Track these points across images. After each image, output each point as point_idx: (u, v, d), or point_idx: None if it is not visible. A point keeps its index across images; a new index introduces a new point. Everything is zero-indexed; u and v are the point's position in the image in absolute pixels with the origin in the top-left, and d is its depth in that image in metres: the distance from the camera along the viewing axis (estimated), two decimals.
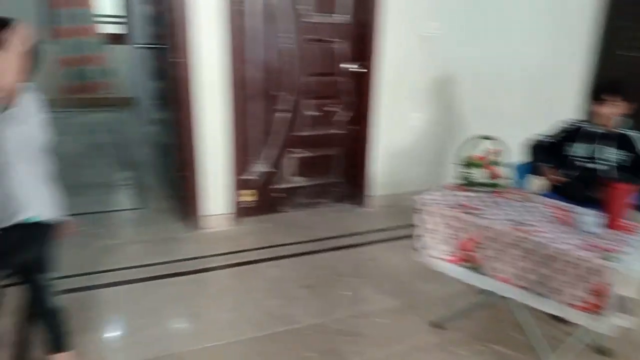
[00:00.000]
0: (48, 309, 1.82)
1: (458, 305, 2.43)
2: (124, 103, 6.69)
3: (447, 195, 2.23)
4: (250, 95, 3.18)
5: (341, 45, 3.33)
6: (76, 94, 6.55)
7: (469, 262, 2.03)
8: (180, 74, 2.92)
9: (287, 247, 3.06)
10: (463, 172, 2.31)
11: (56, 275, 1.83)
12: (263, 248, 3.04)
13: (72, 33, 6.25)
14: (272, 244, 3.08)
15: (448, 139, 3.73)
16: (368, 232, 3.33)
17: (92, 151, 4.86)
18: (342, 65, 3.37)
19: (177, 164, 3.30)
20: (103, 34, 6.54)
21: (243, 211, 3.36)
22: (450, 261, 2.10)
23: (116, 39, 6.52)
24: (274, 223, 3.39)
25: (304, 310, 2.43)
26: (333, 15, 3.26)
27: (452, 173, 2.41)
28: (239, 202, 3.32)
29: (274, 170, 3.43)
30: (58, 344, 1.87)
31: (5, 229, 1.67)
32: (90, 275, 2.62)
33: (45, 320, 1.84)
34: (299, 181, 3.54)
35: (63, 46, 6.29)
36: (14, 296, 1.86)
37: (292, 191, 3.54)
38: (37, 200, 1.70)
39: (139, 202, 3.72)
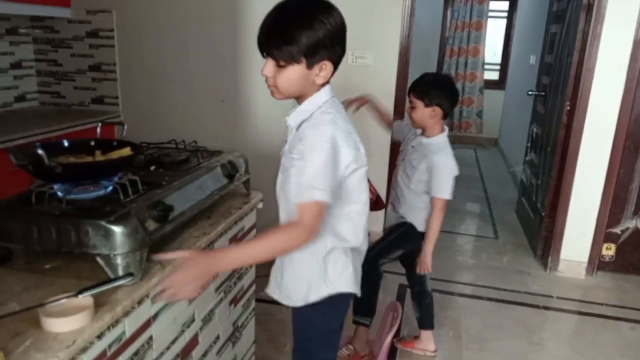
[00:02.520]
0: (423, 291, 2.29)
1: None
2: (489, 143, 7.19)
3: None
4: (634, 147, 3.06)
5: None
6: (450, 130, 7.39)
7: None
8: (570, 121, 3.07)
9: None
10: None
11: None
12: (618, 307, 2.89)
13: (460, 78, 7.10)
14: (632, 306, 2.89)
15: None
16: None
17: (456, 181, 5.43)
18: None
19: (542, 204, 3.45)
20: (483, 79, 7.18)
21: (601, 264, 3.24)
22: None
23: (493, 83, 7.11)
24: (634, 284, 3.15)
25: None
26: None
27: None
28: (598, 254, 3.22)
29: None
30: (424, 322, 2.32)
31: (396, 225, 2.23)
32: (449, 283, 3.05)
33: (418, 300, 2.31)
34: None
35: None
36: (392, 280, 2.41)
37: None
38: (417, 212, 2.17)
39: (491, 232, 4.01)
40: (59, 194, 1.20)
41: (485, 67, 7.14)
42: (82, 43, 3.34)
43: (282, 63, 1.17)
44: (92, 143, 1.39)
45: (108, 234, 1.08)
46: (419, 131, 2.14)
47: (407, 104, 2.14)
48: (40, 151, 1.09)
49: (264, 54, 1.20)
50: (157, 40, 3.24)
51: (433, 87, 2.04)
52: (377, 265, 2.16)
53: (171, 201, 1.30)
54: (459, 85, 7.11)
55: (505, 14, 7.11)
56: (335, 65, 1.22)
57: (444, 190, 2.05)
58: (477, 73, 7.09)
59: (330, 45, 1.16)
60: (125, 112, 3.39)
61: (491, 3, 6.93)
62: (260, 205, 1.80)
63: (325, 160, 1.16)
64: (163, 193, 1.31)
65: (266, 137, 3.15)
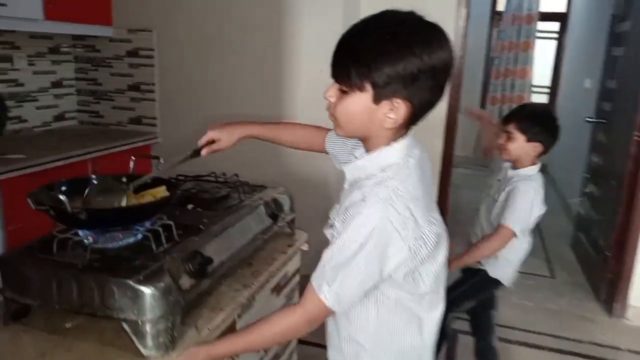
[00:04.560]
0: (488, 346, 2.05)
1: None
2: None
3: None
4: None
5: None
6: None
7: None
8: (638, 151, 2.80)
9: None
10: None
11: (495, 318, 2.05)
12: None
13: (507, 100, 6.81)
14: None
15: None
16: None
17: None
18: None
19: (606, 242, 3.14)
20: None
21: None
22: None
23: None
24: None
25: None
26: None
27: None
28: None
29: None
30: None
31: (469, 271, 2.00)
32: (506, 328, 2.78)
33: (481, 354, 2.07)
34: None
35: (489, 112, 6.93)
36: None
37: None
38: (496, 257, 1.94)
39: (546, 269, 3.71)
40: (85, 242, 1.04)
41: (533, 89, 6.83)
42: (122, 62, 3.27)
43: (344, 87, 0.92)
44: (124, 179, 1.24)
45: (136, 296, 0.92)
46: (507, 164, 1.94)
47: (501, 134, 1.93)
48: (61, 197, 0.93)
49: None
50: (198, 60, 3.14)
51: (538, 123, 1.87)
52: (446, 320, 1.93)
53: (210, 250, 1.13)
54: (505, 108, 6.83)
55: (556, 35, 6.81)
56: (416, 112, 0.92)
57: (516, 220, 1.81)
58: (525, 95, 6.78)
59: (411, 81, 0.87)
60: (163, 134, 3.29)
61: (540, 23, 6.64)
62: (305, 247, 1.62)
63: (353, 257, 0.89)
64: (201, 241, 1.14)
65: (311, 162, 2.99)
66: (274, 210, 1.46)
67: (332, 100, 0.94)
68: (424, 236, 0.92)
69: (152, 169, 1.36)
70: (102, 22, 3.12)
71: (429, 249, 0.94)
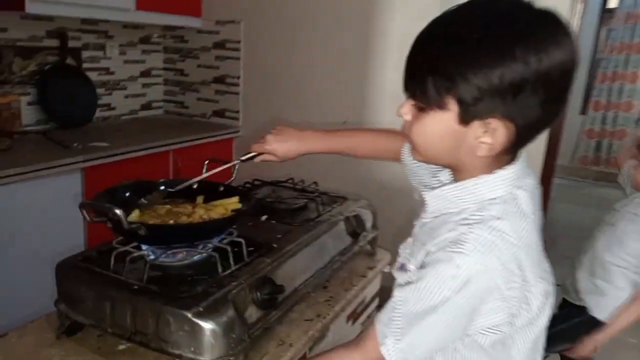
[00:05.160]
0: None
1: None
2: None
3: None
4: None
5: None
6: (590, 165, 6.48)
7: None
8: None
9: None
10: None
11: None
12: None
13: (613, 106, 6.19)
14: None
15: None
16: None
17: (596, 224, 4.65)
18: None
19: None
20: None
21: None
22: None
23: None
24: None
25: None
26: None
27: None
28: None
29: None
30: None
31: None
32: None
33: None
34: None
35: (591, 119, 6.32)
36: None
37: None
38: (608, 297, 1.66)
39: None
40: (151, 256, 0.93)
41: None
42: (209, 54, 3.24)
43: (421, 104, 0.70)
44: (195, 186, 1.12)
45: (194, 331, 0.79)
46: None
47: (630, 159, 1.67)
48: (117, 211, 0.82)
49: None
50: (283, 54, 3.03)
51: None
52: None
53: (282, 275, 0.99)
54: (609, 115, 6.21)
55: None
56: (521, 134, 0.68)
57: None
58: (635, 102, 6.11)
59: (512, 95, 0.64)
60: (244, 128, 3.22)
61: None
62: (387, 269, 1.44)
63: (432, 311, 0.69)
64: (272, 263, 1.00)
65: (390, 168, 2.79)
66: (355, 228, 1.30)
67: (407, 118, 0.73)
68: (529, 297, 0.70)
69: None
70: (192, 13, 3.10)
71: (532, 313, 0.72)
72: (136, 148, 2.49)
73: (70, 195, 2.15)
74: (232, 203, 1.06)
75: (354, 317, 1.31)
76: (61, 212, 2.06)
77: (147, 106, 3.37)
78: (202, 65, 3.29)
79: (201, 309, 0.80)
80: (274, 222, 1.22)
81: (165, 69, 3.42)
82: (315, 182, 1.48)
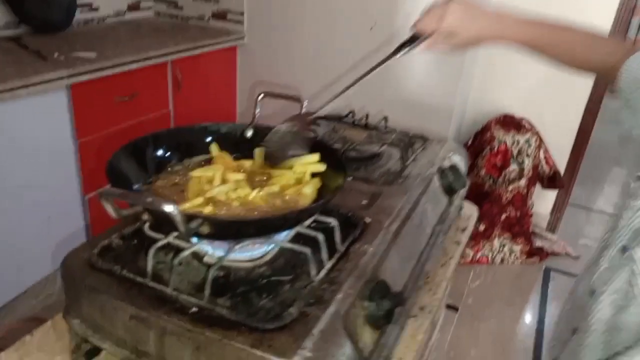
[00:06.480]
0: None
1: None
2: None
3: None
4: None
5: None
6: None
7: None
8: None
9: None
10: None
11: None
12: None
13: None
14: None
15: None
16: None
17: None
18: None
19: None
20: None
21: None
22: None
23: None
24: None
25: None
26: None
27: None
28: None
29: None
30: None
31: None
32: None
33: None
34: None
35: None
36: None
37: None
38: None
39: None
40: (211, 252, 0.61)
41: None
42: None
43: None
44: (249, 134, 0.77)
45: None
46: None
47: None
48: (171, 208, 0.48)
49: None
50: None
51: None
52: None
53: (389, 269, 0.68)
54: None
55: None
56: None
57: None
58: None
59: None
60: (250, 35, 2.77)
61: None
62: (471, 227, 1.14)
63: None
64: (377, 255, 0.68)
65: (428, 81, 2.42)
66: (452, 183, 0.98)
67: None
68: None
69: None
70: None
71: None
72: (129, 59, 2.06)
73: (55, 120, 1.78)
74: (313, 165, 0.73)
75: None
76: (45, 141, 1.70)
77: (135, 6, 2.86)
78: None
79: (309, 354, 0.50)
80: (349, 178, 0.89)
81: None
82: (385, 118, 1.13)
